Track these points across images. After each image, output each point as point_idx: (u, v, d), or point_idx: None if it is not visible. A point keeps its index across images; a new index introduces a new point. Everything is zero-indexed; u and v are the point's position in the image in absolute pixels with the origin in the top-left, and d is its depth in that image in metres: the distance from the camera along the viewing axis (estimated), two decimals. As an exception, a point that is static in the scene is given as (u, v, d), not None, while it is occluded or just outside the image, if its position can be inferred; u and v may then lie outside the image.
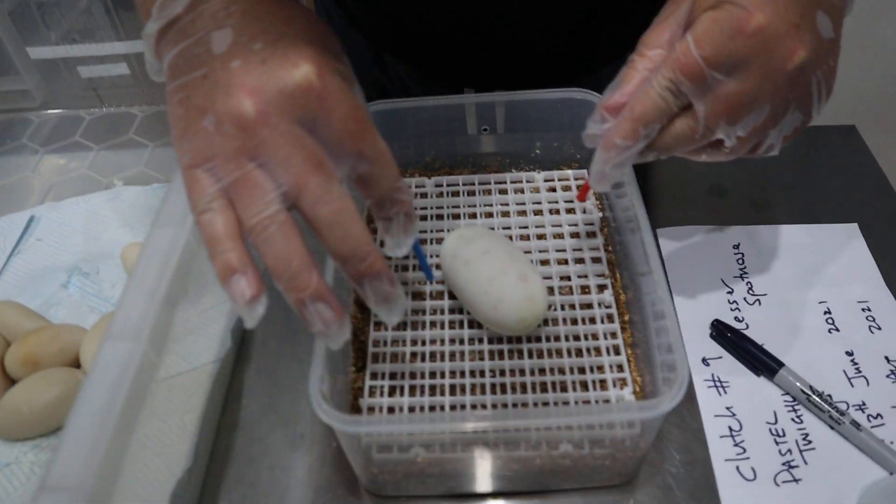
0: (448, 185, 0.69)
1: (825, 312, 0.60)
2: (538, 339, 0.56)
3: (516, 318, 0.53)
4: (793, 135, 0.44)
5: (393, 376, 0.55)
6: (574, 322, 0.57)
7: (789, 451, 0.52)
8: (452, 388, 0.54)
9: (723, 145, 0.42)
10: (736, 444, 0.53)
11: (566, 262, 0.62)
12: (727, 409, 0.55)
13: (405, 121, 0.66)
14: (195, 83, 0.36)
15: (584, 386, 0.53)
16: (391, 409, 0.53)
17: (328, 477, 0.54)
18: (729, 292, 0.63)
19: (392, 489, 0.52)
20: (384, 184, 0.40)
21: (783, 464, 0.51)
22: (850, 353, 0.57)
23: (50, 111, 0.91)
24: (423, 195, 0.69)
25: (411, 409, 0.53)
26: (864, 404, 0.54)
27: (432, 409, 0.53)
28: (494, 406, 0.53)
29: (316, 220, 0.35)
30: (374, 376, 0.55)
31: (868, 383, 0.55)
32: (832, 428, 0.53)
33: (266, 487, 0.54)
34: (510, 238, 0.64)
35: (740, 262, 0.65)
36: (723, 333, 0.59)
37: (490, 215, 0.66)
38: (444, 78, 0.77)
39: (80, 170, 0.83)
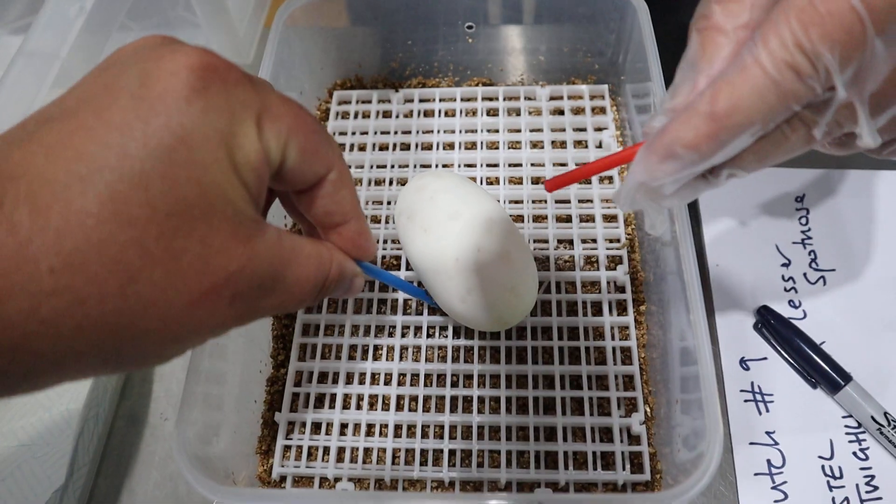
0: (420, 101, 0.52)
1: (917, 302, 0.45)
2: (522, 336, 0.42)
3: (492, 314, 0.38)
4: None
5: (322, 378, 0.42)
6: (573, 311, 0.43)
7: (846, 499, 0.39)
8: (400, 400, 0.40)
9: (867, 146, 0.24)
10: (775, 486, 0.40)
11: (569, 219, 0.46)
12: (768, 434, 0.42)
13: (363, 13, 0.48)
14: None
15: (579, 406, 0.40)
16: (315, 429, 0.40)
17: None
18: (784, 264, 0.47)
19: None
20: None
21: (836, 515, 0.39)
22: (943, 364, 0.43)
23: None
24: (386, 114, 0.52)
25: (342, 429, 0.40)
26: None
27: (370, 430, 0.40)
28: (453, 432, 0.39)
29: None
30: (297, 379, 0.42)
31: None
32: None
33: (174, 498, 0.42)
34: (496, 183, 0.48)
35: (803, 221, 0.49)
36: (771, 325, 0.44)
37: (472, 146, 0.49)
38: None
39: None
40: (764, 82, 0.22)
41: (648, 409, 0.40)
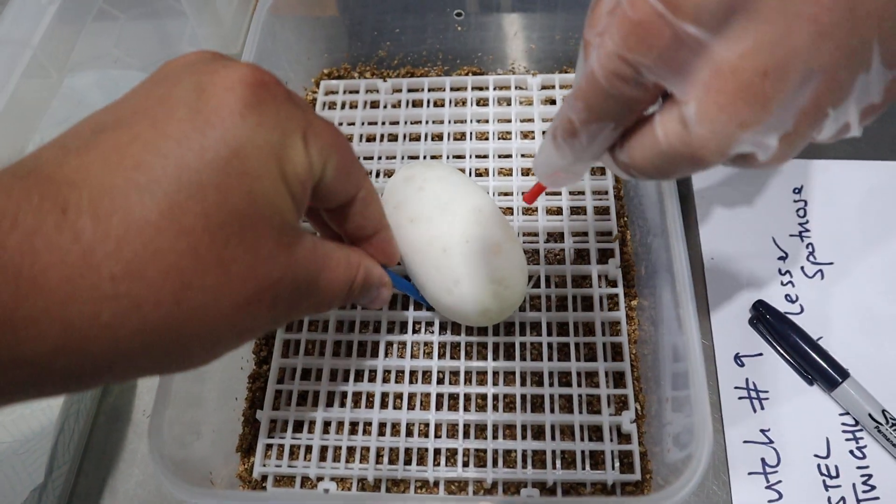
0: (409, 91, 0.51)
1: (917, 296, 0.44)
2: (510, 331, 0.41)
3: (480, 307, 0.37)
4: (883, 102, 0.22)
5: (306, 375, 0.41)
6: (562, 305, 0.41)
7: (842, 499, 0.38)
8: (385, 397, 0.39)
9: (752, 158, 0.23)
10: (770, 486, 0.39)
11: (559, 211, 0.45)
12: (762, 432, 0.40)
13: (350, 0, 0.46)
14: None
15: (568, 403, 0.39)
16: (297, 427, 0.39)
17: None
18: (781, 258, 0.46)
19: None
20: None
21: (832, 515, 0.38)
22: (944, 360, 0.42)
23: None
24: (374, 104, 0.50)
25: (325, 428, 0.39)
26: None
27: (353, 428, 0.39)
28: (438, 430, 0.38)
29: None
30: (280, 376, 0.41)
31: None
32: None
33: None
34: (486, 174, 0.47)
35: (801, 213, 0.48)
36: (767, 320, 0.43)
37: (462, 137, 0.48)
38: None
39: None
40: (601, 89, 0.22)
41: (639, 407, 0.39)
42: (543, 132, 0.48)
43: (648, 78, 0.21)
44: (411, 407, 0.39)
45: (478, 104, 0.50)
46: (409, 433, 0.38)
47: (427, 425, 0.38)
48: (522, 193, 0.46)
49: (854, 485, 0.39)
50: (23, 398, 0.20)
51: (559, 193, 0.45)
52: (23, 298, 0.18)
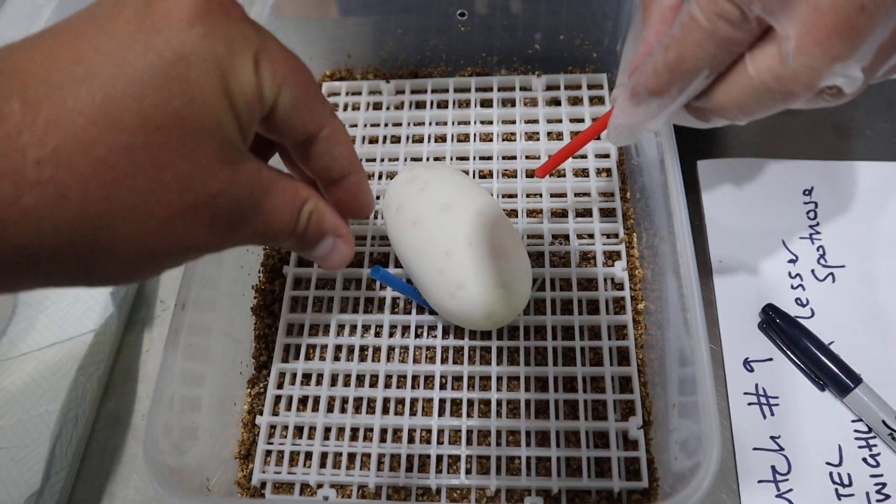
0: (412, 93, 0.50)
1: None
2: (514, 336, 0.40)
3: (483, 311, 0.36)
4: None
5: (306, 380, 0.40)
6: (567, 309, 0.41)
7: (856, 508, 0.37)
8: (386, 402, 0.39)
9: (839, 91, 0.25)
10: (780, 494, 0.38)
11: (564, 214, 0.44)
12: (772, 439, 0.40)
13: (352, 1, 0.46)
14: None
15: (573, 409, 0.38)
16: (297, 432, 0.39)
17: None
18: (791, 260, 0.45)
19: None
20: None
21: (845, 524, 0.37)
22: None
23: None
24: (377, 106, 0.50)
25: (326, 433, 0.39)
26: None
27: (354, 434, 0.38)
28: (441, 436, 0.38)
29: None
30: (280, 380, 0.40)
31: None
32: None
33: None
34: (490, 176, 0.46)
35: (811, 215, 0.47)
36: (777, 324, 0.42)
37: (465, 138, 0.48)
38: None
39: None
40: (701, 33, 0.24)
41: (646, 413, 0.38)
42: (549, 132, 0.47)
43: (752, 15, 0.23)
44: (413, 412, 0.38)
45: (482, 105, 0.49)
46: (411, 439, 0.38)
47: (429, 431, 0.38)
48: (528, 173, 0.46)
49: (868, 493, 0.38)
50: None
51: (564, 195, 0.45)
52: None
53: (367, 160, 0.47)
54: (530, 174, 0.46)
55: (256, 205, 0.24)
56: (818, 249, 0.45)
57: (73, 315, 0.45)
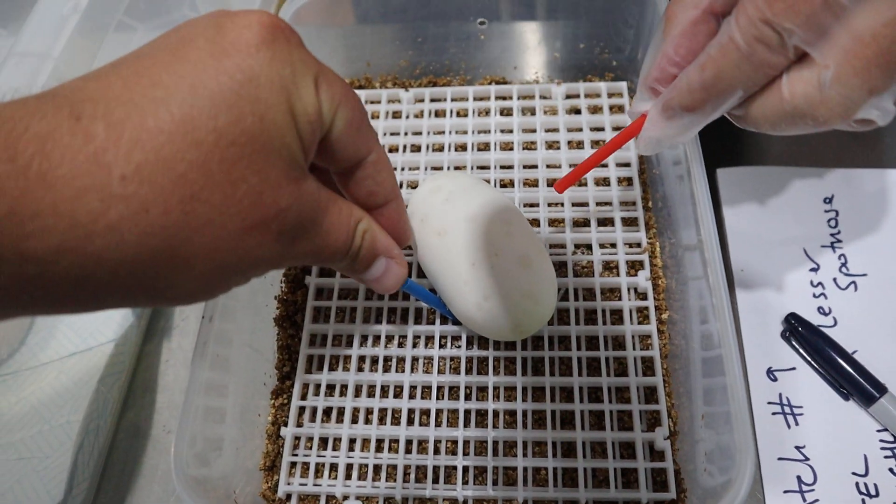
0: (431, 101, 0.50)
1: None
2: (538, 346, 0.40)
3: (510, 322, 0.36)
4: None
5: (330, 391, 0.40)
6: (591, 319, 0.41)
7: (883, 519, 0.37)
8: (411, 414, 0.39)
9: (867, 122, 0.25)
10: (807, 505, 0.38)
11: (586, 223, 0.44)
12: (797, 449, 0.39)
13: (371, 10, 0.46)
14: None
15: (599, 420, 0.38)
16: (322, 444, 0.39)
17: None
18: (813, 269, 0.45)
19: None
20: None
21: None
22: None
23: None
24: (396, 114, 0.50)
25: (351, 445, 0.38)
26: None
27: (380, 445, 0.38)
28: (466, 447, 0.38)
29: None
30: (304, 392, 0.40)
31: None
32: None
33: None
34: (511, 185, 0.46)
35: (832, 224, 0.47)
36: (800, 333, 0.42)
37: (485, 147, 0.48)
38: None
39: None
40: (738, 55, 0.25)
41: (672, 424, 0.38)
42: (569, 141, 0.47)
43: (791, 42, 0.24)
44: (438, 423, 0.38)
45: (501, 114, 0.49)
46: (437, 450, 0.37)
47: (455, 442, 0.38)
48: (549, 182, 0.46)
49: (895, 504, 0.38)
50: (27, 305, 0.20)
51: (585, 204, 0.44)
52: (31, 193, 0.18)
53: (387, 169, 0.47)
54: (551, 183, 0.45)
55: (317, 221, 0.25)
56: (840, 258, 0.45)
57: (92, 325, 0.45)
